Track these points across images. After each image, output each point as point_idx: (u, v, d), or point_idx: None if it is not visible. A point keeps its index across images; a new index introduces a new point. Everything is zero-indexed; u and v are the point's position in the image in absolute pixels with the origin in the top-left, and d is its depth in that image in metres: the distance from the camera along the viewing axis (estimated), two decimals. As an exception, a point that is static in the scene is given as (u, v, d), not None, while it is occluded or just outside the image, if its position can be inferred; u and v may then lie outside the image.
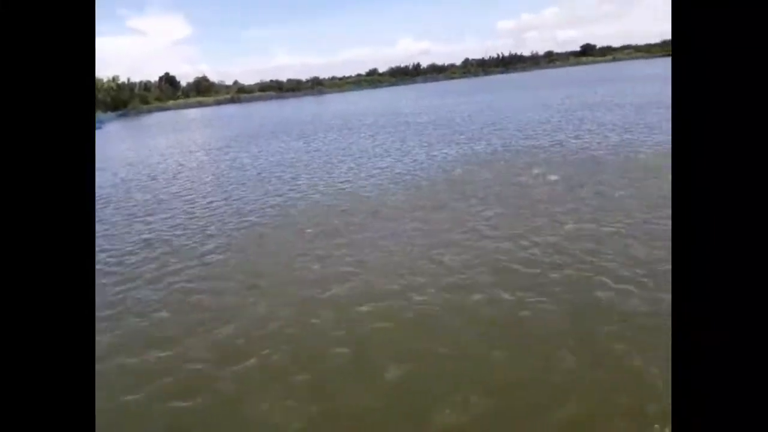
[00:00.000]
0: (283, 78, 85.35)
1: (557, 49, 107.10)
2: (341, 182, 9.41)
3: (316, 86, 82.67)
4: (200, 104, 66.37)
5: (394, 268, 4.87)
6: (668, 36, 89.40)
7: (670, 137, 7.57)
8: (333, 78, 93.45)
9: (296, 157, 13.28)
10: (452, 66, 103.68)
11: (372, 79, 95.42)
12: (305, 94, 72.67)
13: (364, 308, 4.06)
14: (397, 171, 9.91)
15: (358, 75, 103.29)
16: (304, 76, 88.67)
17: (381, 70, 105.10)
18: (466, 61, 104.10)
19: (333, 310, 4.08)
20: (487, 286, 4.25)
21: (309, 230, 6.49)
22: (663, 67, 39.40)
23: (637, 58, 79.35)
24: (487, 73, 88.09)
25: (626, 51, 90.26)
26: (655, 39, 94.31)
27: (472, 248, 5.19)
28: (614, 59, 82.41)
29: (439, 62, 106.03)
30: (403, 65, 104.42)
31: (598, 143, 10.35)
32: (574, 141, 10.97)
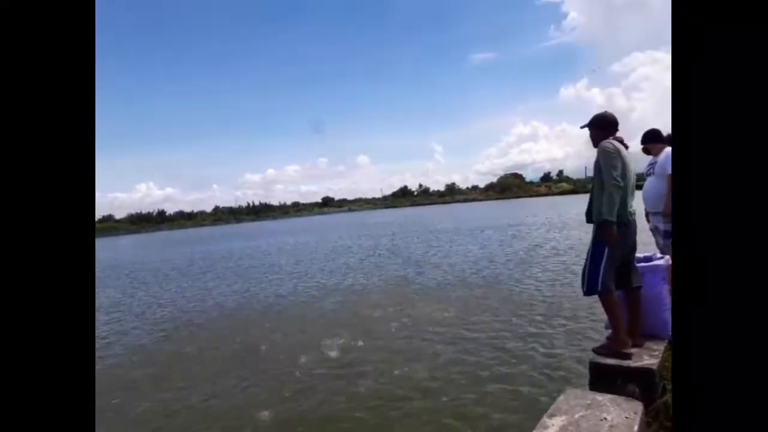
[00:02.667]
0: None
1: (302, 200, 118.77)
2: None
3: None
4: None
5: None
6: (386, 192, 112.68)
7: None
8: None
9: None
10: (202, 213, 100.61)
11: (107, 227, 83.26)
12: None
13: None
14: None
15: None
16: None
17: (118, 216, 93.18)
18: (217, 209, 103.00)
19: None
20: None
21: None
22: (387, 215, 49.44)
23: (366, 208, 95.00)
24: (238, 220, 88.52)
25: (358, 203, 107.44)
26: (377, 194, 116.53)
27: None
28: (350, 209, 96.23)
29: (187, 209, 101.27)
30: (145, 212, 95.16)
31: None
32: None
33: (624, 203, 2.59)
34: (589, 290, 2.68)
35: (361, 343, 5.26)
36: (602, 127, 2.75)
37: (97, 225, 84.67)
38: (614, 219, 2.53)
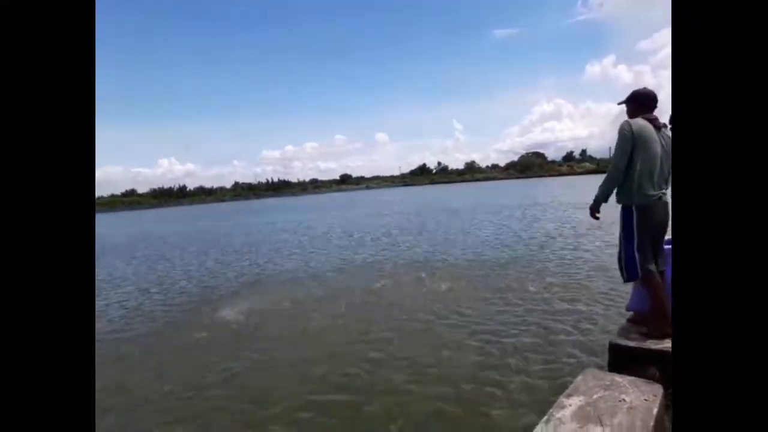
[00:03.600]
0: None
1: (320, 177, 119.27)
2: None
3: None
4: None
5: None
6: (404, 170, 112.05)
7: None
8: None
9: None
10: (222, 189, 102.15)
11: (130, 201, 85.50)
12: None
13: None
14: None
15: (112, 195, 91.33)
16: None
17: (140, 191, 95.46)
18: (236, 185, 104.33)
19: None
20: None
21: None
22: (405, 193, 49.67)
23: (384, 186, 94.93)
24: (257, 196, 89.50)
25: (376, 181, 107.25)
26: (395, 172, 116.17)
27: None
28: (367, 187, 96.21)
29: (207, 185, 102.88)
30: (166, 187, 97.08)
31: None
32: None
33: (642, 185, 2.52)
34: (629, 277, 2.64)
35: (373, 319, 5.31)
36: (641, 103, 2.66)
37: (120, 199, 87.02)
38: (603, 200, 2.66)
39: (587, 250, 8.37)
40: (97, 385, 3.58)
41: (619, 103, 2.78)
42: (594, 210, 2.71)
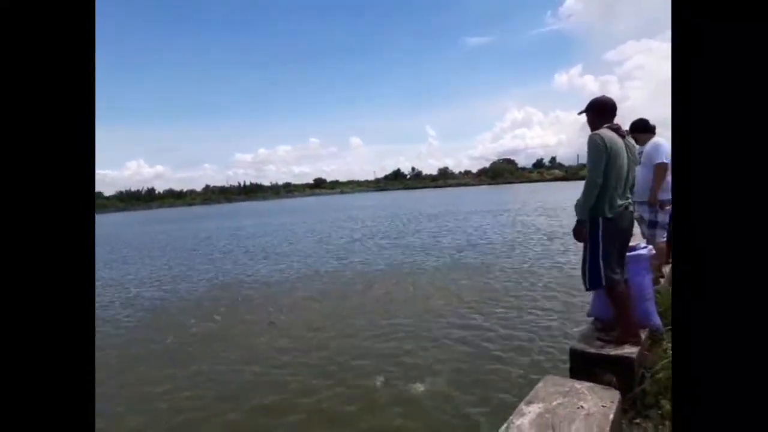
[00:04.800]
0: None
1: (294, 181, 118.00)
2: None
3: None
4: None
5: None
6: (379, 175, 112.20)
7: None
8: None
9: None
10: (192, 192, 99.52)
11: (96, 204, 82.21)
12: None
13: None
14: None
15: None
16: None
17: (107, 193, 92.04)
18: (207, 188, 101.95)
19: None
20: None
21: None
22: (375, 198, 50.09)
23: (358, 191, 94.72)
24: (229, 200, 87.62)
25: (350, 185, 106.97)
26: (369, 177, 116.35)
27: None
28: (342, 192, 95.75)
29: (177, 188, 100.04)
30: (134, 189, 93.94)
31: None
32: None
33: (611, 197, 2.52)
34: (592, 285, 2.62)
35: (341, 328, 5.26)
36: (600, 112, 2.66)
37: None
38: (586, 218, 2.56)
39: (556, 254, 8.57)
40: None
41: (580, 113, 2.78)
42: (580, 232, 2.62)
